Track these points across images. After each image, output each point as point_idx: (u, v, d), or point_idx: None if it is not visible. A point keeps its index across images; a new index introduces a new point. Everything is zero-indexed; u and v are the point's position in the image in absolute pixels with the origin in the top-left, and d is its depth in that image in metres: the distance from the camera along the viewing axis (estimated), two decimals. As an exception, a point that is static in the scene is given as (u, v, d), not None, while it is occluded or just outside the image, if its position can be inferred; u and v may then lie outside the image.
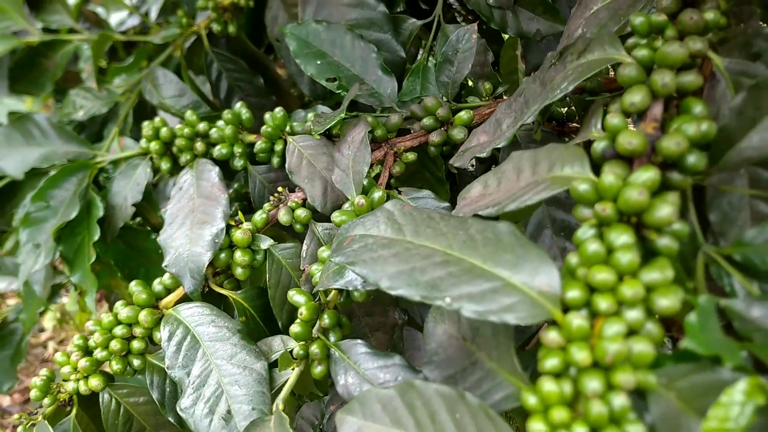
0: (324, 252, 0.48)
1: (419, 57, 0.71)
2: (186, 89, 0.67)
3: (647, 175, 0.33)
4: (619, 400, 0.28)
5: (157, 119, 0.61)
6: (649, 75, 0.38)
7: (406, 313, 0.69)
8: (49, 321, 2.22)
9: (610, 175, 0.33)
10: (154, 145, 0.60)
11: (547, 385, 0.29)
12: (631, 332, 0.31)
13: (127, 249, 0.66)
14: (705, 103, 0.39)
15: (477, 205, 0.42)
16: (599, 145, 0.38)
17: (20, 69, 0.72)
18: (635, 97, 0.37)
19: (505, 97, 0.65)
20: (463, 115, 0.58)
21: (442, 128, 0.59)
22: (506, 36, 0.84)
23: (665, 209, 0.32)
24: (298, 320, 0.46)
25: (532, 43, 0.75)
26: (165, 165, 0.61)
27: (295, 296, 0.47)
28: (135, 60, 0.74)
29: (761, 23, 0.48)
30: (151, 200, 0.65)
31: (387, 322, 0.59)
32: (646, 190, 0.32)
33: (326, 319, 0.46)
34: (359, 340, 0.44)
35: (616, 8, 0.47)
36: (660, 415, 0.31)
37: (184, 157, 0.60)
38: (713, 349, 0.30)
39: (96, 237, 0.58)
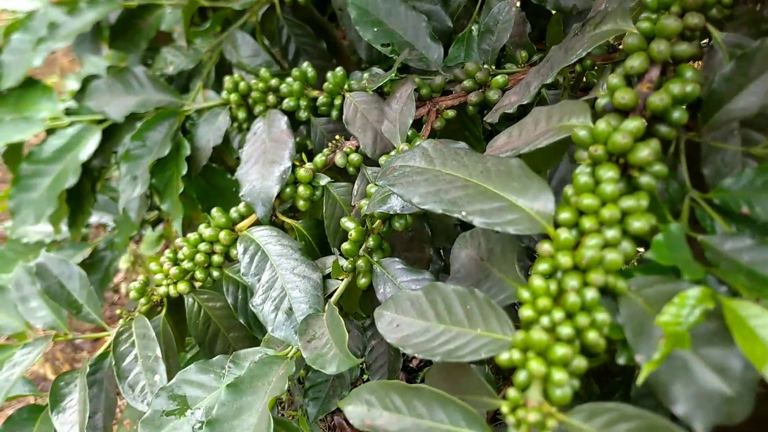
0: (372, 188, 0.57)
1: (466, 27, 0.78)
2: (260, 50, 0.76)
3: (633, 123, 0.39)
4: (591, 294, 0.36)
5: (236, 75, 0.71)
6: (648, 41, 0.45)
7: (441, 260, 0.78)
8: (123, 263, 2.41)
9: (602, 123, 0.40)
10: (233, 97, 0.69)
11: (537, 281, 0.37)
12: (608, 245, 0.38)
13: (207, 185, 0.76)
14: (697, 69, 0.46)
15: (500, 150, 0.50)
16: (601, 101, 0.44)
17: (119, 29, 0.83)
18: (635, 62, 0.44)
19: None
20: (499, 78, 0.65)
21: (480, 90, 0.66)
22: (554, 12, 0.89)
23: (645, 151, 0.38)
24: (347, 241, 0.55)
25: (571, 17, 0.81)
26: (242, 114, 0.70)
27: (347, 222, 0.56)
28: (212, 24, 0.84)
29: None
30: (228, 145, 0.75)
31: (423, 257, 0.67)
32: (630, 135, 0.39)
33: (371, 242, 0.55)
34: (396, 258, 0.53)
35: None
36: (628, 315, 0.38)
37: (257, 108, 0.69)
38: (672, 262, 0.37)
39: (183, 172, 0.69)
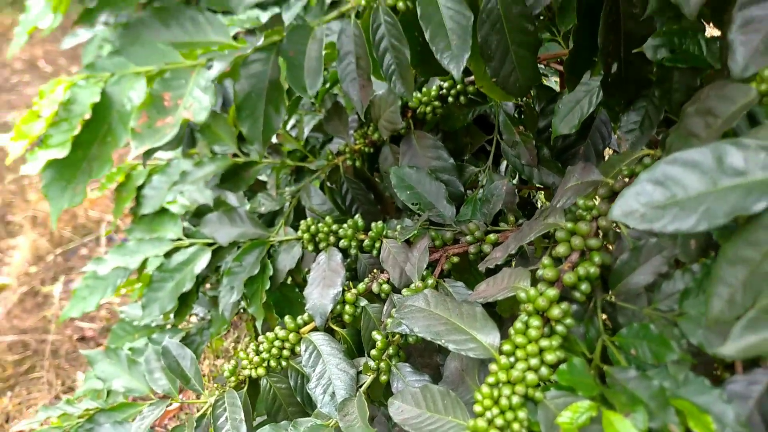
0: (395, 312, 0.79)
1: (473, 192, 1.01)
2: (326, 200, 1.02)
3: (552, 292, 0.60)
4: (516, 399, 0.56)
5: (308, 219, 0.96)
6: (571, 235, 0.66)
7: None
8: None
9: (532, 290, 0.61)
10: (305, 236, 0.94)
11: (485, 389, 0.57)
12: (530, 369, 0.58)
13: (281, 296, 0.99)
14: (605, 254, 0.66)
15: (480, 295, 0.71)
16: (539, 272, 0.65)
17: (228, 175, 1.10)
18: (561, 249, 0.65)
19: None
20: (491, 236, 0.87)
21: (478, 243, 0.88)
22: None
23: (556, 311, 0.59)
24: (375, 348, 0.77)
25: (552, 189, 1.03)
26: (310, 247, 0.95)
27: (376, 335, 0.78)
28: (298, 179, 1.11)
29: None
30: (299, 268, 0.99)
31: (431, 363, 0.87)
32: (548, 299, 0.59)
33: (391, 350, 0.76)
34: (408, 363, 0.74)
35: (577, 191, 0.75)
36: (543, 415, 0.57)
37: (322, 244, 0.93)
38: (570, 383, 0.57)
39: (267, 287, 0.92)
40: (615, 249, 0.69)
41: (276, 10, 0.66)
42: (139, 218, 1.08)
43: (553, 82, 1.17)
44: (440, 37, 0.61)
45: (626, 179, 0.70)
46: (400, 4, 0.64)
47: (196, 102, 0.53)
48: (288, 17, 0.64)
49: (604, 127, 0.98)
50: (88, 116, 0.52)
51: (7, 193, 3.42)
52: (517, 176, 1.09)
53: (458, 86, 0.95)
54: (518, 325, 0.59)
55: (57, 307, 2.61)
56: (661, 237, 0.62)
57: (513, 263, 0.87)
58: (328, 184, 1.08)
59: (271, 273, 0.92)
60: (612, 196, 0.71)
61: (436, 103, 0.97)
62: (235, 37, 0.63)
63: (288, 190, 1.04)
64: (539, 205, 1.19)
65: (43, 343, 2.45)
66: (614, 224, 0.67)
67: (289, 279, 1.01)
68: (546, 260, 0.64)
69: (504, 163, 1.09)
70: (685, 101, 0.78)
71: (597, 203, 0.69)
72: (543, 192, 1.08)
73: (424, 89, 0.96)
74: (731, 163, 0.45)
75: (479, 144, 1.04)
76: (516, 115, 1.01)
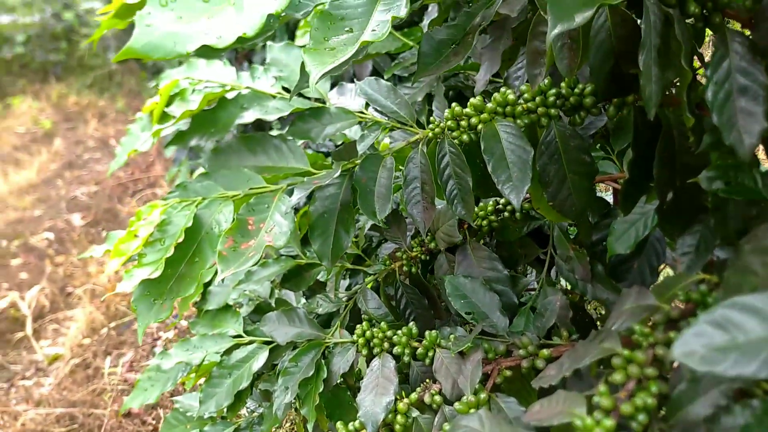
0: (446, 425, 0.78)
1: (527, 304, 1.02)
2: (381, 304, 1.04)
3: (609, 422, 0.60)
4: None
5: (364, 323, 0.98)
6: (628, 363, 0.66)
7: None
8: None
9: (589, 419, 0.61)
10: (361, 340, 0.96)
11: None
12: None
13: (333, 398, 1.01)
14: (663, 383, 0.66)
15: (534, 417, 0.71)
16: (595, 399, 0.65)
17: (289, 275, 1.15)
18: (617, 377, 0.65)
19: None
20: (545, 351, 0.87)
21: (531, 357, 0.88)
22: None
23: (613, 442, 0.59)
24: (427, 463, 0.76)
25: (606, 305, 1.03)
26: (364, 351, 0.97)
27: (427, 449, 0.78)
28: (354, 279, 1.15)
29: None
30: (352, 371, 1.00)
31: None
32: (605, 430, 0.59)
33: (443, 466, 0.76)
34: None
35: (632, 315, 0.75)
36: None
37: (376, 349, 0.95)
38: None
39: (320, 389, 0.94)
40: (672, 378, 0.68)
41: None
42: (204, 313, 1.13)
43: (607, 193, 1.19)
44: (502, 169, 0.65)
45: (682, 306, 0.70)
46: (464, 137, 0.69)
47: (277, 227, 0.58)
48: (362, 147, 0.70)
49: (659, 244, 0.99)
50: (181, 239, 0.57)
51: (70, 265, 3.59)
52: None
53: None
54: (575, 452, 0.59)
55: (106, 382, 2.67)
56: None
57: (566, 382, 0.87)
58: (384, 287, 1.11)
59: (324, 375, 0.94)
60: (668, 322, 0.71)
61: (492, 217, 1.00)
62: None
63: (345, 293, 1.08)
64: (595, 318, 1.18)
65: (90, 416, 2.48)
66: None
67: (342, 381, 1.03)
68: (602, 387, 0.64)
69: (553, 269, 1.10)
70: (741, 230, 0.79)
71: (654, 330, 0.70)
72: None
73: (481, 203, 1.00)
74: (793, 311, 0.46)
75: (533, 256, 1.06)
76: (569, 227, 1.03)
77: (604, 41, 0.58)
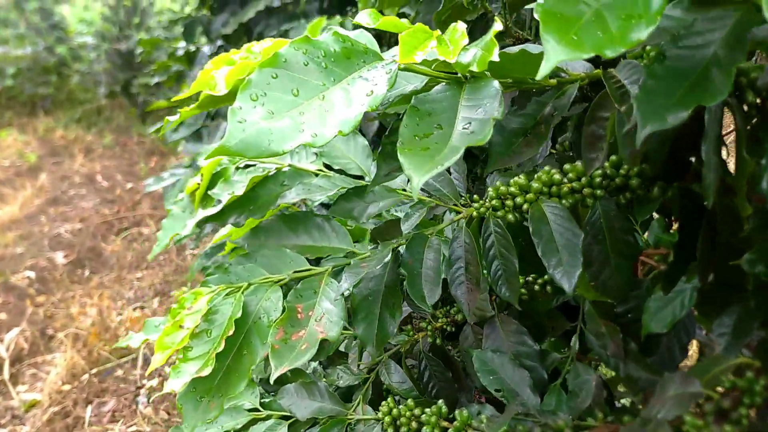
0: None
1: (558, 380, 0.99)
2: (406, 379, 1.01)
3: None
4: None
5: (389, 400, 0.95)
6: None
7: None
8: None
9: None
10: (387, 419, 0.92)
11: None
12: None
13: (357, 480, 0.96)
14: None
15: None
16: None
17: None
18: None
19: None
20: (582, 435, 0.84)
21: (568, 441, 0.85)
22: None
23: None
24: None
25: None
26: (390, 430, 0.93)
27: None
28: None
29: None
30: (378, 452, 0.96)
31: None
32: None
33: None
34: None
35: (679, 402, 0.73)
36: None
37: (403, 429, 0.92)
38: None
39: (345, 472, 0.89)
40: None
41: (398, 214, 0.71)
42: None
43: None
44: (552, 253, 0.64)
45: (744, 401, 0.68)
46: (510, 217, 0.68)
47: (327, 315, 0.56)
48: (407, 227, 0.68)
49: (688, 320, 0.98)
50: (231, 332, 0.55)
51: (51, 305, 3.49)
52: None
53: (545, 276, 0.97)
54: None
55: (86, 432, 2.55)
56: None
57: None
58: (406, 359, 1.08)
59: (349, 455, 0.90)
60: (718, 412, 0.69)
61: (522, 290, 0.98)
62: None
63: (366, 363, 1.05)
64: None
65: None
66: (728, 447, 0.65)
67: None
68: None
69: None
70: (782, 312, 0.78)
71: (705, 421, 0.67)
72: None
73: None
74: None
75: (561, 330, 1.04)
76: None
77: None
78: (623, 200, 0.73)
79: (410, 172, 0.40)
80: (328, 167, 0.73)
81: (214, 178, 0.72)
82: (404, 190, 0.73)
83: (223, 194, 0.66)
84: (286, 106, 0.41)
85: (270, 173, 0.70)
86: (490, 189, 0.73)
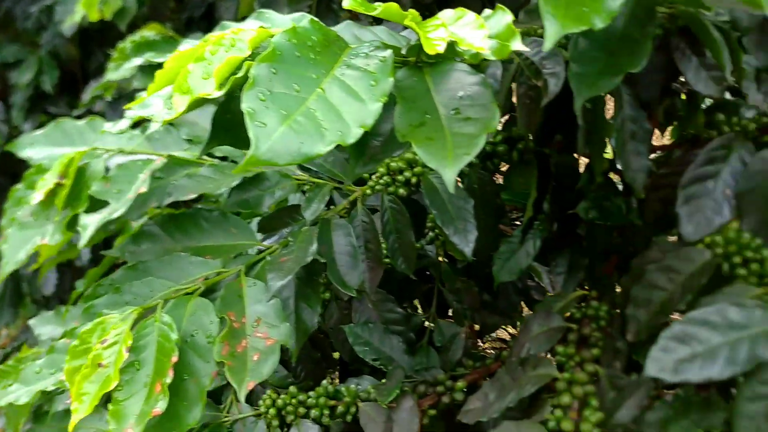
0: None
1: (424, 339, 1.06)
2: (280, 367, 0.98)
3: (576, 441, 0.66)
4: None
5: (269, 391, 0.91)
6: (570, 384, 0.74)
7: None
8: None
9: (560, 444, 0.66)
10: (271, 411, 0.89)
11: None
12: None
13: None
14: (598, 399, 0.75)
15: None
16: (551, 423, 0.71)
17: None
18: (565, 399, 0.72)
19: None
20: (460, 384, 0.91)
21: (449, 392, 0.92)
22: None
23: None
24: None
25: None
26: (275, 423, 0.89)
27: None
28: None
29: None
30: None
31: None
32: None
33: None
34: None
35: (547, 338, 0.84)
36: None
37: (289, 418, 0.89)
38: None
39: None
40: (598, 390, 0.77)
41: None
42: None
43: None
44: (449, 221, 0.68)
45: (593, 325, 0.80)
46: (401, 191, 0.70)
47: (263, 318, 0.52)
48: (310, 214, 0.65)
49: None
50: (175, 358, 0.47)
51: None
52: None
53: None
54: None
55: None
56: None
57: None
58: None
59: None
60: (580, 339, 0.80)
61: (387, 259, 1.02)
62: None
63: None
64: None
65: None
66: (595, 369, 0.76)
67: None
68: (558, 412, 0.70)
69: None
70: (604, 250, 0.93)
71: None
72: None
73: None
74: (735, 319, 0.56)
75: (421, 293, 1.10)
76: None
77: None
78: (491, 166, 0.79)
79: (434, 164, 0.39)
80: (212, 157, 0.66)
81: (79, 176, 0.59)
82: (306, 171, 0.70)
83: (109, 191, 0.55)
84: (295, 104, 0.36)
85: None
86: (379, 167, 0.74)
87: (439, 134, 0.40)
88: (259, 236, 0.62)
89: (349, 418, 0.89)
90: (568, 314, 0.85)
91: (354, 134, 0.36)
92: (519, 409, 0.87)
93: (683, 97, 0.82)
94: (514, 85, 0.67)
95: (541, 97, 0.55)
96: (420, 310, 1.18)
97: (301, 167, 0.69)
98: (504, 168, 1.12)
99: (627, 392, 0.73)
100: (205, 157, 0.62)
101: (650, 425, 0.72)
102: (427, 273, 1.09)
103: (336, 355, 1.13)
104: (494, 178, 0.79)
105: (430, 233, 1.04)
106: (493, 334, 2.06)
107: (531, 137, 0.69)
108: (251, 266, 0.57)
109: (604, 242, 0.92)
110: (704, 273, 0.66)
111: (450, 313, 1.14)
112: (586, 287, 0.94)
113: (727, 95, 0.92)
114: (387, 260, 1.03)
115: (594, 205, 0.86)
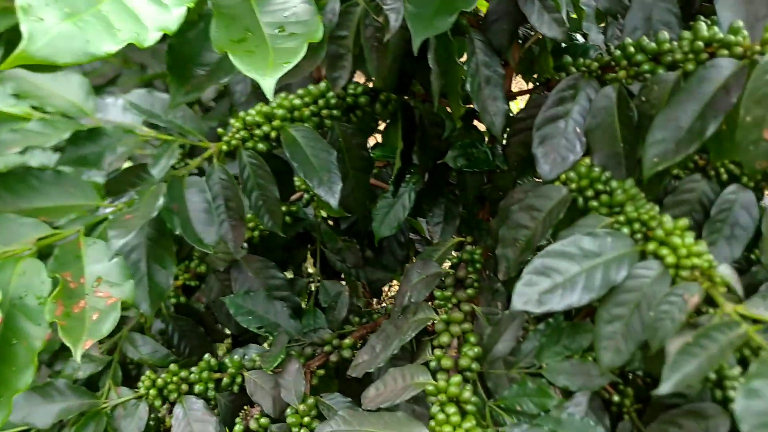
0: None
1: (310, 300, 1.05)
2: (159, 347, 0.93)
3: (456, 378, 0.69)
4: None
5: (149, 372, 0.87)
6: (448, 324, 0.77)
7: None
8: None
9: (441, 381, 0.69)
10: (152, 391, 0.84)
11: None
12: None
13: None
14: (475, 334, 0.78)
15: (375, 401, 0.75)
16: (432, 364, 0.73)
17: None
18: (444, 339, 0.75)
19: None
20: (347, 341, 0.92)
21: (336, 350, 0.92)
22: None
23: (466, 393, 0.68)
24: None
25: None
26: (158, 403, 0.85)
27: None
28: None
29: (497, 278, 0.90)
30: (155, 428, 0.87)
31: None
32: (457, 386, 0.68)
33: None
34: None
35: (427, 284, 0.86)
36: None
37: (172, 396, 0.85)
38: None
39: (119, 463, 0.79)
40: (475, 327, 0.81)
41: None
42: None
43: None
44: (313, 173, 0.67)
45: (469, 269, 0.83)
46: (260, 146, 0.68)
47: (105, 277, 0.48)
48: (158, 172, 0.61)
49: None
50: None
51: None
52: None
53: (283, 207, 0.99)
54: (439, 416, 0.66)
55: None
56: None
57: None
58: (148, 326, 0.99)
59: (119, 446, 0.80)
60: (457, 282, 0.83)
61: (261, 226, 0.99)
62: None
63: (102, 345, 0.93)
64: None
65: None
66: (471, 308, 0.79)
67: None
68: (438, 352, 0.72)
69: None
70: (476, 196, 0.97)
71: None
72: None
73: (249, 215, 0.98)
74: (589, 248, 0.60)
75: (303, 257, 1.09)
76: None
77: (397, 43, 0.64)
78: (355, 118, 0.78)
79: (252, 74, 0.37)
80: (39, 110, 0.59)
81: None
82: (154, 128, 0.65)
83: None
84: (84, 5, 0.32)
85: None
86: (233, 120, 0.71)
87: (261, 48, 0.38)
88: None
89: (235, 388, 0.87)
90: (449, 262, 0.88)
91: (152, 37, 0.34)
92: (404, 357, 0.89)
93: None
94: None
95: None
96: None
97: (149, 124, 0.65)
98: (382, 127, 1.14)
99: (502, 327, 0.78)
100: (34, 112, 0.56)
101: (526, 355, 0.77)
102: (313, 236, 1.08)
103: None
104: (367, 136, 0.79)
105: (306, 195, 1.03)
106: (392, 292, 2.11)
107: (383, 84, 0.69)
108: (93, 227, 0.52)
109: (475, 189, 0.95)
110: (561, 208, 0.70)
111: (343, 276, 1.14)
112: (464, 234, 0.97)
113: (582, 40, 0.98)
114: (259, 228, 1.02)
115: (462, 153, 0.89)
